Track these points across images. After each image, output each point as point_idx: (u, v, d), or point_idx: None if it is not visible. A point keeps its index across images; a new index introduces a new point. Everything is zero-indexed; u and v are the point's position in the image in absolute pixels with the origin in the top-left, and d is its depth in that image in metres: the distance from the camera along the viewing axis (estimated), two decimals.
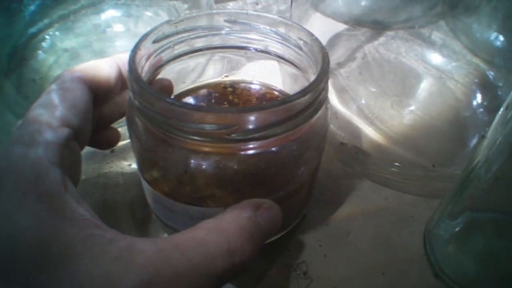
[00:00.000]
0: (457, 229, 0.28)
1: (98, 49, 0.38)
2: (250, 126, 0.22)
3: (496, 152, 0.25)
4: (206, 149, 0.24)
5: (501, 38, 0.32)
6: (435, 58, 0.35)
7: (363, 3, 0.37)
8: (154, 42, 0.27)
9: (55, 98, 0.23)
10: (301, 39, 0.28)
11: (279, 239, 0.30)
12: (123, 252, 0.18)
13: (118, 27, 0.39)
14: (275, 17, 0.28)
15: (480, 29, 0.33)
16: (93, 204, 0.31)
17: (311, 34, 0.27)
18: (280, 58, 0.30)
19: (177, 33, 0.28)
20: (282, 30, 0.29)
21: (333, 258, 0.29)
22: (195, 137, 0.23)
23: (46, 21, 0.36)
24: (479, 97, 0.33)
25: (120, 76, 0.27)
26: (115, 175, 0.34)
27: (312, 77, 0.26)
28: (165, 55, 0.29)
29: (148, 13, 0.38)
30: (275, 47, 0.30)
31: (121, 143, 0.35)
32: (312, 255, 0.29)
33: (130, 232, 0.30)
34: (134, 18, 0.39)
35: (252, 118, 0.22)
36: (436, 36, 0.36)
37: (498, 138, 0.24)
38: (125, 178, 0.34)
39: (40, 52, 0.37)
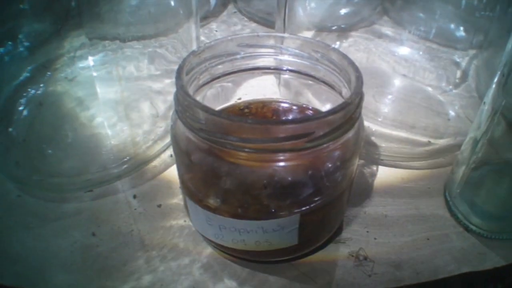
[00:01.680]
0: (477, 184, 0.33)
1: (78, 97, 0.37)
2: (325, 131, 0.24)
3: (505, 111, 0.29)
4: (279, 159, 0.25)
5: (448, 22, 0.38)
6: (401, 49, 0.40)
7: (322, 13, 0.41)
8: (187, 74, 0.28)
9: None
10: (317, 52, 0.30)
11: (334, 235, 0.32)
12: None
13: (95, 73, 0.38)
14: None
15: (426, 17, 0.39)
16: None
17: (327, 46, 0.30)
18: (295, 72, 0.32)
19: (200, 63, 0.29)
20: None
21: (382, 238, 0.32)
22: (268, 150, 0.24)
23: (21, 77, 0.35)
24: (445, 77, 0.38)
25: None
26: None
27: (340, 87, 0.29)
28: (193, 87, 0.29)
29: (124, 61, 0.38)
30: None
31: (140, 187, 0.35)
32: (364, 241, 0.32)
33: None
34: (113, 66, 0.38)
35: (326, 122, 0.24)
36: (390, 31, 0.41)
37: (502, 102, 0.29)
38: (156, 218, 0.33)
39: (20, 109, 0.35)
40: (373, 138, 0.37)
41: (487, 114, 0.30)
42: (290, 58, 0.31)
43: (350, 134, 0.27)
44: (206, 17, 0.56)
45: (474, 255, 0.31)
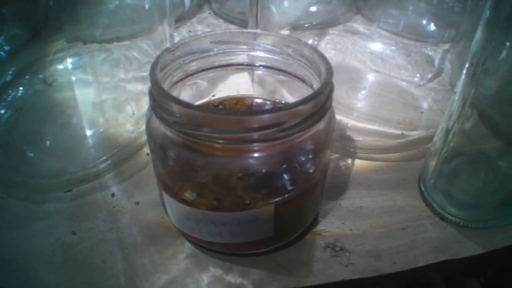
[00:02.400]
0: (451, 175, 0.33)
1: (57, 99, 0.37)
2: (296, 121, 0.25)
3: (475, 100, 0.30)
4: (252, 150, 0.26)
5: (420, 17, 0.39)
6: (374, 46, 0.41)
7: (296, 12, 0.42)
8: (161, 70, 0.28)
9: None
10: (289, 47, 0.31)
11: (309, 227, 0.32)
12: None
13: (73, 75, 0.38)
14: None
15: (398, 13, 0.40)
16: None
17: (299, 40, 0.31)
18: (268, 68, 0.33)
19: (174, 60, 0.30)
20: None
21: (358, 229, 0.33)
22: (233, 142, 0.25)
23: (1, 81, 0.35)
24: (418, 71, 0.39)
25: None
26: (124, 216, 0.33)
27: (311, 80, 0.29)
28: (167, 84, 0.30)
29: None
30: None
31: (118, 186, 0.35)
32: (340, 232, 0.32)
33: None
34: (89, 68, 0.39)
35: (296, 113, 0.25)
36: (363, 28, 0.42)
37: (471, 91, 0.30)
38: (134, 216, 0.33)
39: (1, 113, 0.35)
40: (347, 132, 0.38)
41: (457, 104, 0.31)
42: (263, 54, 0.32)
43: (321, 125, 0.28)
44: (181, 19, 0.57)
45: (451, 244, 0.32)
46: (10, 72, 0.36)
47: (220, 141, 0.25)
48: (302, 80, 0.31)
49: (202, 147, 0.26)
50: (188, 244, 0.31)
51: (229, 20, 0.58)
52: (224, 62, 0.32)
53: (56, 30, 0.36)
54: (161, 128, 0.27)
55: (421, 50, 0.40)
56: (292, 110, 0.25)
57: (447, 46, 0.38)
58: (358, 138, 0.37)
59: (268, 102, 0.35)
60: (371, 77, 0.41)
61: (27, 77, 0.36)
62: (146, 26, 0.36)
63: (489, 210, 0.33)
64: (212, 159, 0.26)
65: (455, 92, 0.31)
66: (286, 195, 0.28)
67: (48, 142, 0.36)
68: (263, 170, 0.27)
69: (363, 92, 0.40)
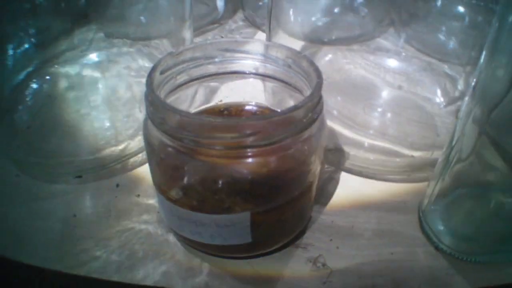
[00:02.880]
0: (449, 205, 0.32)
1: (81, 95, 0.40)
2: (279, 129, 0.25)
3: (469, 132, 0.29)
4: (241, 156, 0.27)
5: (452, 38, 0.37)
6: (393, 63, 0.40)
7: (318, 23, 0.42)
8: (161, 73, 0.30)
9: None
10: (290, 58, 0.32)
11: (295, 239, 0.33)
12: None
13: (99, 72, 0.41)
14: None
15: (429, 32, 0.39)
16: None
17: (299, 53, 0.31)
18: (269, 77, 0.34)
19: (177, 64, 0.31)
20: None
21: (345, 249, 0.32)
22: (218, 148, 0.26)
23: (30, 68, 0.38)
24: (440, 92, 0.38)
25: None
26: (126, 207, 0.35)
27: (307, 92, 0.29)
28: (168, 86, 0.31)
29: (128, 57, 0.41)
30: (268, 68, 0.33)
31: (123, 177, 0.37)
32: (326, 248, 0.32)
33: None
34: (113, 63, 0.41)
35: (273, 123, 0.25)
36: (388, 44, 0.41)
37: (467, 121, 0.29)
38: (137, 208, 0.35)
39: (27, 99, 0.38)
40: (350, 145, 0.37)
41: (460, 127, 0.30)
42: (265, 64, 0.32)
43: (306, 135, 0.28)
44: (213, 23, 0.58)
45: (440, 276, 0.31)
46: (37, 62, 0.39)
47: (202, 146, 0.26)
48: (300, 91, 0.31)
49: (191, 151, 0.27)
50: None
51: (260, 27, 0.59)
52: (228, 70, 0.33)
53: (85, 24, 0.39)
54: (152, 129, 0.29)
55: (445, 71, 0.38)
56: (276, 118, 0.26)
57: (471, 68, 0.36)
58: (365, 155, 0.37)
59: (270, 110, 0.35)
60: (390, 94, 0.40)
61: (55, 66, 0.39)
62: (165, 29, 0.38)
63: (486, 245, 0.31)
64: (199, 162, 0.27)
65: (458, 117, 0.30)
66: (266, 204, 0.28)
67: (66, 129, 0.39)
68: (245, 176, 0.28)
69: (379, 109, 0.39)
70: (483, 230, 0.31)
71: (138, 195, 0.36)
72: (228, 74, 0.33)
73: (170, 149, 0.28)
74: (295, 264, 0.31)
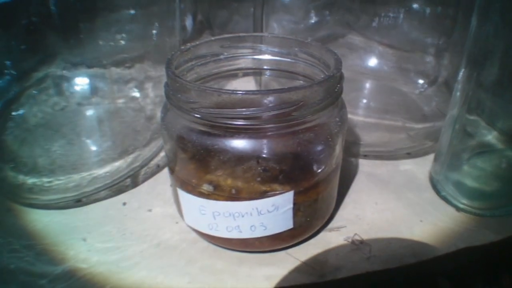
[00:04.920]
0: (461, 166, 0.34)
1: (65, 121, 0.38)
2: (315, 99, 0.26)
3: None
4: (270, 133, 0.26)
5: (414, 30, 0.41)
6: (372, 60, 0.42)
7: (301, 25, 0.44)
8: (176, 68, 0.29)
9: None
10: (295, 47, 0.32)
11: (326, 224, 0.32)
12: None
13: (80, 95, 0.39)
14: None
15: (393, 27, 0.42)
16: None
17: (304, 40, 0.32)
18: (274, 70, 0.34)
19: (187, 61, 0.31)
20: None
21: (375, 224, 0.33)
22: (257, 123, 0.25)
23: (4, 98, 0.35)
24: (419, 78, 0.41)
25: None
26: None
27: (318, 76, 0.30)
28: None
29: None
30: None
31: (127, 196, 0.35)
32: (358, 228, 0.32)
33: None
34: (94, 88, 0.39)
35: (314, 92, 0.26)
36: (358, 43, 0.44)
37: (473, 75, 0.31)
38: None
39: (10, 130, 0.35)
40: (355, 132, 0.39)
41: (462, 91, 0.32)
42: (270, 57, 0.33)
43: (334, 112, 0.28)
44: (183, 42, 0.58)
45: (468, 233, 0.32)
46: (15, 91, 0.36)
47: (237, 122, 0.25)
48: (310, 79, 0.32)
49: (220, 131, 0.26)
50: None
51: None
52: (234, 67, 0.33)
53: (60, 52, 0.37)
54: (178, 119, 0.27)
55: (417, 60, 0.41)
56: (308, 90, 0.26)
57: (441, 53, 0.40)
58: (366, 138, 0.38)
59: None
60: (372, 86, 0.42)
61: (34, 92, 0.37)
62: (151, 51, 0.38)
63: (501, 199, 0.33)
64: (230, 142, 0.26)
65: (458, 81, 0.32)
66: (304, 182, 0.28)
67: (56, 159, 0.36)
68: (281, 156, 0.27)
69: (365, 101, 0.41)
70: (496, 185, 0.33)
71: (150, 210, 0.34)
72: (234, 71, 0.33)
73: (197, 134, 0.27)
74: (334, 247, 0.31)
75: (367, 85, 0.42)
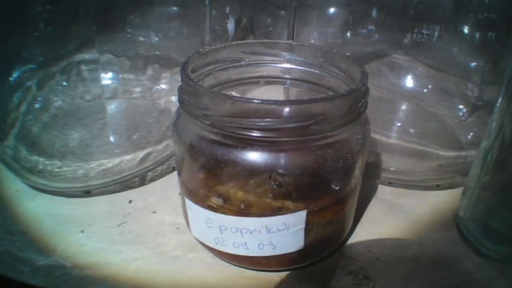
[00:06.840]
0: (491, 207, 0.31)
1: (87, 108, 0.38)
2: (337, 113, 0.24)
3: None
4: (286, 147, 0.24)
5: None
6: (411, 80, 0.40)
7: (330, 40, 0.42)
8: (192, 72, 0.28)
9: None
10: (320, 57, 0.31)
11: (336, 250, 0.30)
12: None
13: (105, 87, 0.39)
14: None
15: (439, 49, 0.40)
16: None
17: (330, 50, 0.30)
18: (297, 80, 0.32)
19: (205, 65, 0.29)
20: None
21: (385, 259, 0.30)
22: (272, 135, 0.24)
23: (31, 83, 0.35)
24: (460, 105, 0.39)
25: None
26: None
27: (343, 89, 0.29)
28: None
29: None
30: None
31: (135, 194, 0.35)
32: (366, 260, 0.30)
33: None
34: (118, 81, 0.39)
35: (336, 105, 0.24)
36: (400, 62, 0.42)
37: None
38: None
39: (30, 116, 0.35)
40: (383, 156, 0.37)
41: (497, 122, 0.30)
42: (294, 66, 0.31)
43: (357, 128, 0.26)
44: None
45: (485, 281, 0.29)
46: (37, 80, 0.36)
47: (251, 133, 0.24)
48: (333, 91, 0.30)
49: (232, 141, 0.24)
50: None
51: None
52: (255, 74, 0.32)
53: (92, 43, 0.36)
54: (189, 125, 0.26)
55: (460, 85, 0.39)
56: (328, 103, 0.24)
57: (485, 81, 0.38)
58: (393, 165, 0.36)
59: None
60: (409, 109, 0.40)
61: (64, 83, 0.37)
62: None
63: None
64: (242, 154, 0.25)
65: (494, 112, 0.30)
66: (319, 201, 0.26)
67: (74, 148, 0.36)
68: (295, 172, 0.25)
69: (399, 124, 0.39)
70: None
71: (155, 212, 0.33)
72: (255, 79, 0.32)
73: (208, 142, 0.25)
74: (338, 274, 0.29)
75: (404, 107, 0.40)
